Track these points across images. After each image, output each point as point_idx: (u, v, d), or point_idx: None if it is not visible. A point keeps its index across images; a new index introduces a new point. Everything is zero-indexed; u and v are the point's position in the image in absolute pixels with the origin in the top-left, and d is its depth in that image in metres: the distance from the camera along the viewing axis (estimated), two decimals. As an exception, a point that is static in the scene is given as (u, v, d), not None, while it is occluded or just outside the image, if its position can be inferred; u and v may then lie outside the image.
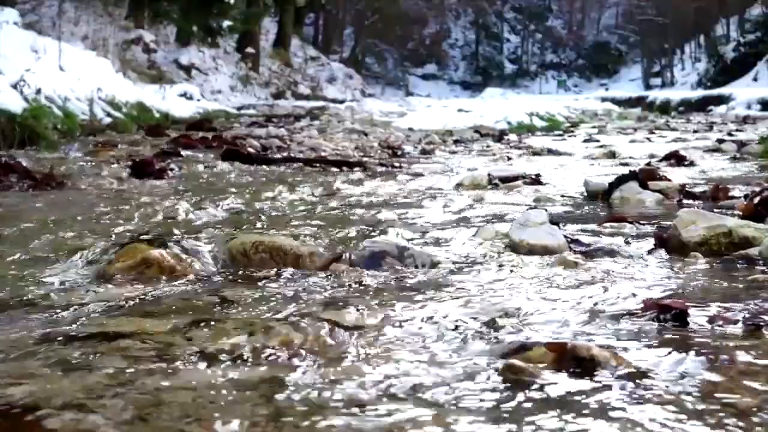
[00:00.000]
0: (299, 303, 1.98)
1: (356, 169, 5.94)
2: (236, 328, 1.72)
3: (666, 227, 2.86)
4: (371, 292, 2.10)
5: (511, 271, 2.36)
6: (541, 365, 1.45)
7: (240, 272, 2.34)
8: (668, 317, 1.77)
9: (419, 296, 2.04)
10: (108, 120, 10.03)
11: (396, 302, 1.97)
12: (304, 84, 32.30)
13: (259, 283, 2.20)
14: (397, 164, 6.39)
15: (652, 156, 7.33)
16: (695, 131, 13.36)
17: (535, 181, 5.04)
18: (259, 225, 3.23)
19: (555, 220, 2.84)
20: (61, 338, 1.67)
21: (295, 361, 1.51)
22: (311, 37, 44.97)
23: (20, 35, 10.41)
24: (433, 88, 54.51)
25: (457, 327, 1.73)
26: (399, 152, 7.89)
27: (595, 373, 1.41)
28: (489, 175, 4.98)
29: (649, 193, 4.08)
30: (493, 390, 1.36)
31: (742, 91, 27.10)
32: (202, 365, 1.49)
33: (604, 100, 29.73)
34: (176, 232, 2.88)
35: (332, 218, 3.42)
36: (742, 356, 1.52)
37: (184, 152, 6.77)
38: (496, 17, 62.95)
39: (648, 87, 49.30)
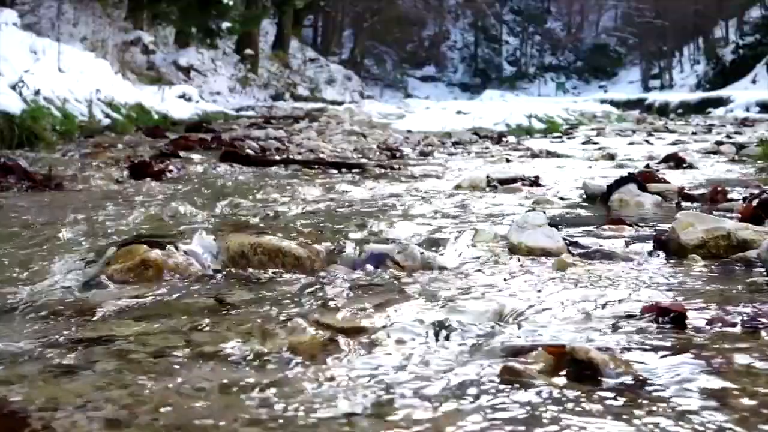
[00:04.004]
0: (297, 305, 1.97)
1: (355, 170, 5.94)
2: (235, 330, 1.72)
3: (665, 230, 2.86)
4: (369, 294, 2.09)
5: (510, 273, 2.36)
6: (539, 368, 1.45)
7: (239, 274, 2.34)
8: (667, 320, 1.77)
9: (417, 298, 2.04)
10: (107, 121, 10.03)
11: (394, 304, 1.96)
12: (303, 85, 32.29)
13: (258, 285, 2.20)
14: (395, 166, 6.39)
15: (650, 158, 7.33)
16: (694, 133, 13.37)
17: (534, 183, 5.04)
18: (257, 226, 3.22)
19: (554, 223, 2.84)
20: (58, 340, 1.66)
21: (293, 364, 1.51)
22: (310, 38, 44.96)
23: (19, 36, 10.40)
24: (432, 90, 54.48)
25: (455, 329, 1.73)
26: (397, 154, 7.89)
27: (594, 375, 1.41)
28: (488, 176, 4.98)
29: (648, 195, 4.08)
30: (492, 392, 1.35)
31: (741, 94, 27.12)
32: (201, 368, 1.49)
33: (602, 102, 29.76)
34: (175, 233, 2.88)
35: (331, 220, 3.41)
36: (741, 358, 1.52)
37: (182, 153, 6.76)
38: (495, 19, 62.94)
39: (647, 89, 49.27)
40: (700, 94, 31.36)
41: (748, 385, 1.38)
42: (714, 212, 3.44)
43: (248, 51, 27.79)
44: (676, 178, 5.10)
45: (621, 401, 1.31)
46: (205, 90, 21.33)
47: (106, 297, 2.06)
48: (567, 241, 2.72)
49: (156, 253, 2.31)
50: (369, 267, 2.39)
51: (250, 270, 2.36)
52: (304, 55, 35.98)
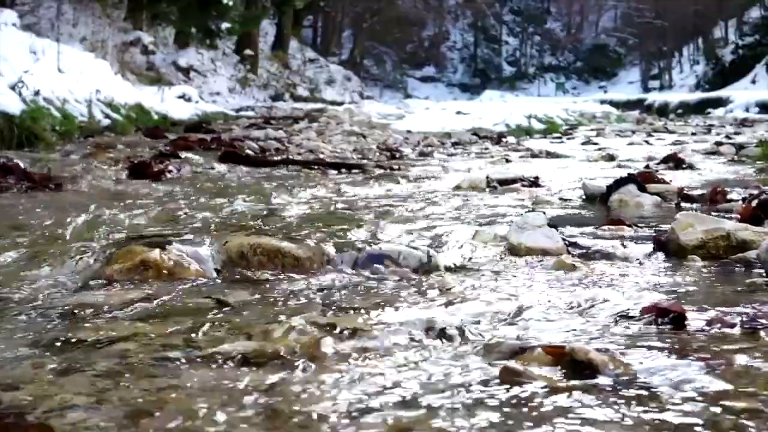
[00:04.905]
0: (297, 306, 1.97)
1: (354, 171, 5.95)
2: (234, 331, 1.72)
3: (664, 230, 2.86)
4: (369, 295, 2.09)
5: (509, 274, 2.36)
6: (538, 368, 1.45)
7: (238, 275, 2.34)
8: (666, 320, 1.77)
9: (417, 299, 2.04)
10: (106, 122, 10.02)
11: (394, 305, 1.96)
12: (302, 86, 32.29)
13: (258, 286, 2.20)
14: (395, 166, 6.39)
15: (650, 158, 7.33)
16: (693, 134, 13.37)
17: (534, 183, 5.04)
18: (257, 227, 3.22)
19: (553, 223, 2.84)
20: (57, 341, 1.66)
21: (293, 365, 1.51)
22: (310, 39, 44.94)
23: (19, 37, 10.39)
24: (432, 91, 54.41)
25: (454, 330, 1.73)
26: (397, 154, 7.89)
27: (593, 376, 1.41)
28: (487, 177, 4.98)
29: (648, 195, 4.08)
30: (491, 393, 1.35)
31: (741, 94, 27.13)
32: (201, 369, 1.49)
33: (602, 102, 29.74)
34: (174, 233, 2.88)
35: (330, 220, 3.41)
36: (741, 359, 1.52)
37: (182, 154, 6.76)
38: (495, 20, 62.88)
39: (646, 89, 49.23)
40: (699, 95, 31.36)
41: (747, 385, 1.38)
42: (713, 213, 3.44)
43: (248, 51, 27.78)
44: (676, 179, 5.10)
45: (620, 402, 1.31)
46: (204, 90, 21.32)
47: (105, 297, 2.06)
48: (566, 242, 2.72)
49: (155, 254, 2.32)
50: (368, 267, 2.39)
51: (250, 271, 2.36)
52: (303, 56, 35.96)
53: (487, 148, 9.32)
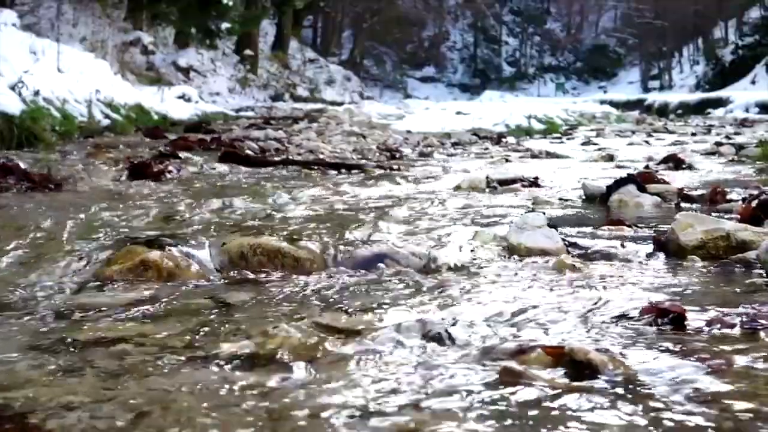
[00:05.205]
0: (297, 306, 1.97)
1: (354, 171, 5.94)
2: (233, 332, 1.72)
3: (664, 230, 2.86)
4: (369, 296, 2.09)
5: (509, 274, 2.36)
6: (538, 369, 1.45)
7: (238, 275, 2.34)
8: (666, 321, 1.77)
9: (416, 299, 2.04)
10: (106, 122, 10.02)
11: (393, 305, 1.96)
12: (302, 86, 32.29)
13: (257, 286, 2.20)
14: (395, 166, 6.39)
15: (650, 159, 7.33)
16: (693, 134, 13.37)
17: (533, 183, 5.04)
18: (257, 227, 3.22)
19: (553, 223, 2.84)
20: (57, 342, 1.66)
21: (292, 366, 1.51)
22: (310, 39, 44.95)
23: (18, 37, 10.39)
24: (432, 91, 54.39)
25: (454, 330, 1.73)
26: (397, 155, 7.89)
27: (593, 376, 1.41)
28: (487, 177, 4.98)
29: (647, 196, 4.08)
30: (491, 394, 1.35)
31: (740, 94, 27.13)
32: (200, 370, 1.49)
33: (602, 102, 29.74)
34: (174, 234, 2.88)
35: (330, 220, 3.41)
36: (740, 360, 1.52)
37: (182, 154, 6.76)
38: (495, 20, 62.87)
39: (646, 90, 49.22)
40: (699, 95, 31.36)
41: (747, 386, 1.38)
42: (713, 213, 3.44)
43: (248, 51, 27.78)
44: (676, 179, 5.10)
45: (619, 402, 1.31)
46: (204, 90, 21.33)
47: (105, 298, 2.06)
48: (566, 242, 2.72)
49: (155, 254, 2.32)
50: (368, 268, 2.39)
51: (250, 271, 2.36)
52: (303, 56, 35.96)
53: (487, 149, 9.31)
